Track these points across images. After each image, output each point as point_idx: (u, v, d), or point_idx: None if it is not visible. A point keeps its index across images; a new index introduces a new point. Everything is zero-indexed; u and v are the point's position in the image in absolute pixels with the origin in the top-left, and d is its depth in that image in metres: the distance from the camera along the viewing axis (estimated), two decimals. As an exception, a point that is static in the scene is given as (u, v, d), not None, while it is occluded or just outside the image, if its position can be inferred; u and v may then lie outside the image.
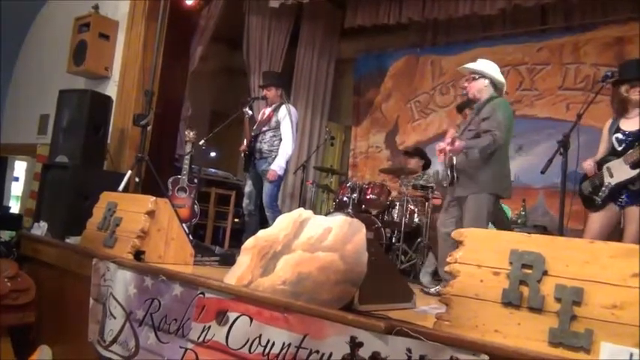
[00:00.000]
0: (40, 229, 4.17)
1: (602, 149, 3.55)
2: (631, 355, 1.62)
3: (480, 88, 3.76)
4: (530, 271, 1.85)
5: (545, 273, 1.83)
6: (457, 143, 3.48)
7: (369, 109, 7.57)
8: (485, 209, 3.54)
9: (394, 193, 5.75)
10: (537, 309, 1.80)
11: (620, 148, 3.37)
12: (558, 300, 1.77)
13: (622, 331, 1.65)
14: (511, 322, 1.84)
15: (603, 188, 3.36)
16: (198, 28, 6.08)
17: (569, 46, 5.90)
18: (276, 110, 4.89)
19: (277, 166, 4.70)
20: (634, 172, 3.23)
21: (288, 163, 4.93)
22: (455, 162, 3.65)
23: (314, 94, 7.54)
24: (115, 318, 2.97)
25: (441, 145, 3.75)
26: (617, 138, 3.39)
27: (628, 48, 5.37)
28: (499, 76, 3.80)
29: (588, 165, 3.49)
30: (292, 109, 4.93)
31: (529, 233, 1.99)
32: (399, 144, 7.13)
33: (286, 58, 7.21)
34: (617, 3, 5.60)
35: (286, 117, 4.80)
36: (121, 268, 3.04)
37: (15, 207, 6.51)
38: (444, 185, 3.93)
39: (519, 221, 5.26)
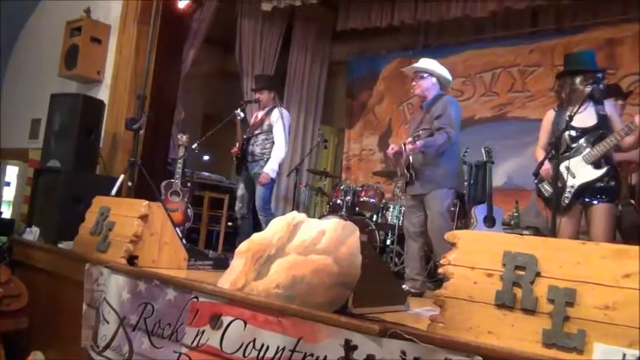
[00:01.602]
0: (32, 234, 4.15)
1: (545, 142, 3.43)
2: (624, 355, 1.63)
3: (427, 87, 3.87)
4: (523, 273, 1.85)
5: (538, 274, 1.83)
6: (416, 143, 3.59)
7: (362, 111, 7.58)
8: (447, 204, 3.74)
9: (388, 196, 5.76)
10: (530, 310, 1.80)
11: (573, 145, 3.25)
12: (551, 301, 1.78)
13: (615, 331, 1.66)
14: (505, 323, 1.84)
15: (568, 189, 3.24)
16: (191, 32, 6.07)
17: (560, 48, 5.93)
18: (268, 113, 4.88)
19: (269, 169, 4.70)
20: (599, 173, 3.17)
21: (280, 166, 4.92)
22: (411, 161, 3.75)
23: (307, 97, 7.54)
24: (108, 323, 2.95)
25: (394, 148, 3.87)
26: (569, 135, 3.25)
27: (618, 49, 5.42)
28: (446, 74, 3.91)
29: (547, 171, 3.31)
30: (285, 112, 4.92)
31: (521, 234, 2.00)
32: (392, 146, 7.13)
33: (279, 61, 7.21)
34: (607, 5, 5.65)
35: (279, 120, 4.79)
36: (114, 273, 3.02)
37: (7, 212, 6.46)
38: (399, 185, 4.03)
39: (512, 222, 5.28)
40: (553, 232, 2.81)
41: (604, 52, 5.51)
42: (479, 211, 4.60)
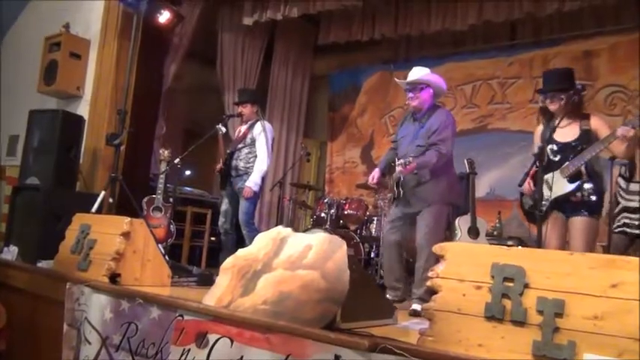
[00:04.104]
0: (11, 253, 4.05)
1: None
2: (613, 365, 1.63)
3: (426, 98, 3.74)
4: (511, 284, 1.85)
5: (526, 286, 1.83)
6: (409, 165, 3.44)
7: (344, 124, 7.61)
8: (443, 220, 3.66)
9: (371, 208, 5.76)
10: (520, 322, 1.80)
11: (556, 159, 3.31)
12: (540, 312, 1.78)
13: (604, 341, 1.66)
14: (495, 335, 1.84)
15: (543, 202, 3.29)
16: (172, 46, 6.04)
17: (538, 60, 6.03)
18: (251, 127, 4.86)
19: (252, 182, 4.66)
20: (572, 186, 3.21)
21: (263, 179, 4.89)
22: (402, 179, 3.65)
23: (289, 110, 7.54)
24: (90, 343, 2.89)
25: (375, 177, 3.80)
26: (551, 149, 3.33)
27: (595, 61, 5.52)
28: (442, 84, 3.80)
29: (528, 185, 3.37)
30: (268, 125, 4.90)
31: (508, 246, 2.00)
32: (374, 159, 7.16)
33: (260, 76, 7.20)
34: (583, 19, 5.76)
35: (261, 134, 4.77)
36: (96, 292, 2.96)
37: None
38: (386, 199, 3.93)
39: (495, 233, 5.30)
40: (539, 244, 2.82)
41: (581, 64, 5.62)
42: (462, 223, 4.62)
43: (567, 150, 3.28)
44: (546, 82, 3.39)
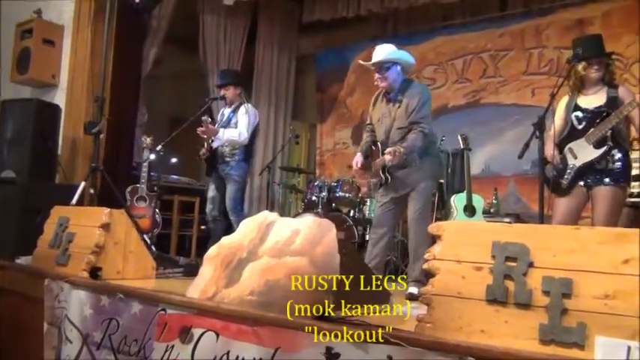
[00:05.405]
0: (-13, 250, 3.91)
1: (558, 127, 3.36)
2: (628, 347, 1.51)
3: (394, 77, 3.60)
4: (514, 264, 1.73)
5: (530, 265, 1.70)
6: (397, 154, 3.35)
7: (334, 104, 7.43)
8: (430, 195, 3.66)
9: (364, 190, 5.62)
10: (525, 304, 1.68)
11: (580, 127, 3.23)
12: (547, 293, 1.65)
13: (617, 322, 1.54)
14: (498, 320, 1.71)
15: (568, 170, 3.22)
16: (151, 30, 5.83)
17: (530, 31, 5.86)
18: (235, 111, 4.69)
19: (222, 134, 4.50)
20: (599, 152, 3.12)
21: (252, 165, 4.74)
22: (386, 162, 3.52)
23: (276, 92, 7.35)
24: (71, 342, 2.76)
25: (358, 162, 3.74)
26: (576, 116, 3.25)
27: (588, 29, 5.36)
28: (409, 58, 3.67)
29: (549, 154, 3.30)
30: (252, 108, 4.73)
31: (510, 223, 1.87)
32: (365, 139, 7.01)
33: (245, 57, 7.00)
34: (574, -15, 5.60)
35: (244, 116, 4.60)
36: (75, 288, 2.83)
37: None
38: (377, 186, 3.82)
39: (492, 210, 5.18)
40: (541, 219, 2.69)
41: (575, 32, 5.43)
42: (458, 201, 4.50)
43: (593, 116, 3.19)
44: (589, 48, 3.24)
